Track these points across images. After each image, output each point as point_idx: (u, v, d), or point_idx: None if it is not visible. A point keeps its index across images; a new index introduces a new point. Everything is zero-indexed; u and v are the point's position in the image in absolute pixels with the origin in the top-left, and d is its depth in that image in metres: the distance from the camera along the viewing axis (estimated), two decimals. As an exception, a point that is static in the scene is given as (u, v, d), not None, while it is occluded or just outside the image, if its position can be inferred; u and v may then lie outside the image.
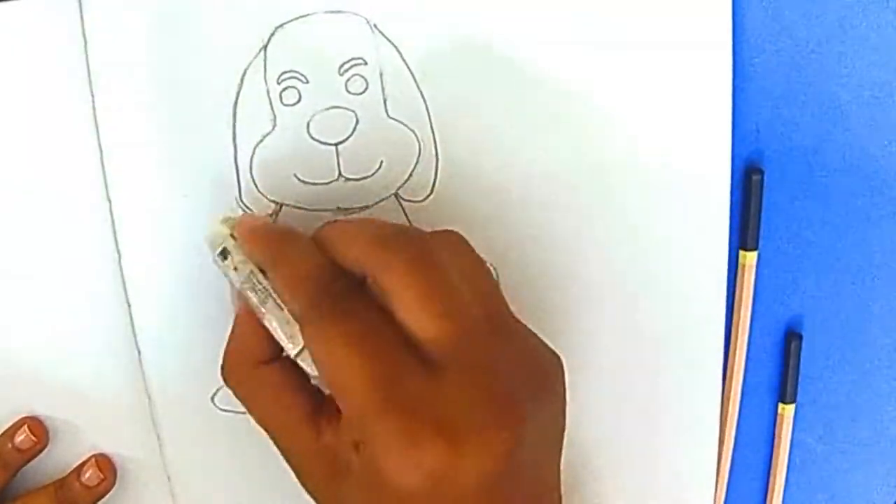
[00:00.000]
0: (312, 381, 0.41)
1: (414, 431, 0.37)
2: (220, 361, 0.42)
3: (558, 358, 0.41)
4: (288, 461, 0.41)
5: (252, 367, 0.41)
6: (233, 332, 0.42)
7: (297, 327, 0.39)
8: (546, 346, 0.41)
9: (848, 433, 0.55)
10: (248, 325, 0.41)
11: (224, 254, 0.42)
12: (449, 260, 0.39)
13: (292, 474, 0.41)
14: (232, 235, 0.42)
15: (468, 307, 0.39)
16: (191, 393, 0.47)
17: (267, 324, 0.40)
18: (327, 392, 0.40)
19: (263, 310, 0.40)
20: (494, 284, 0.41)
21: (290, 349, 0.40)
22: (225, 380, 0.42)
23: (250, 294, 0.41)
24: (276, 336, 0.40)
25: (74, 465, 0.47)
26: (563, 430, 0.41)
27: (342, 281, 0.40)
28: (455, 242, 0.41)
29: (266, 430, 0.42)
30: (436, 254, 0.39)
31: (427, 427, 0.37)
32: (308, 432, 0.40)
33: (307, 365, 0.40)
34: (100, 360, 0.44)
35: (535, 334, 0.41)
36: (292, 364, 0.41)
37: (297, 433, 0.40)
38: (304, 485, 0.41)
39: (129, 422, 0.47)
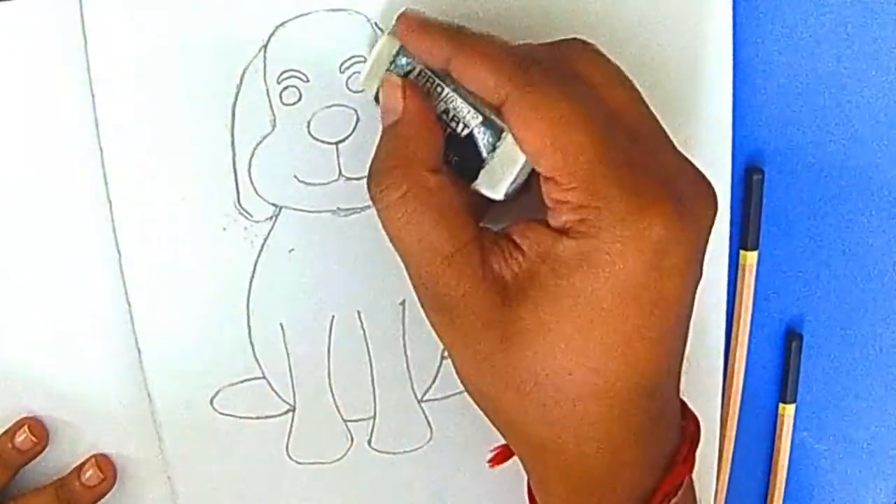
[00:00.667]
0: (486, 163, 0.38)
1: (645, 193, 0.35)
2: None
3: None
4: (440, 302, 0.38)
5: (419, 170, 0.37)
6: (391, 137, 0.38)
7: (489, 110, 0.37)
8: None
9: (848, 433, 0.55)
10: (414, 125, 0.38)
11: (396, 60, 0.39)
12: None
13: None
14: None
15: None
16: (191, 393, 0.47)
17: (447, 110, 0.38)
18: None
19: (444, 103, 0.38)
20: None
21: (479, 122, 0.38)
22: (381, 188, 0.38)
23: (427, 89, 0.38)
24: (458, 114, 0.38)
25: (74, 465, 0.47)
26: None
27: (542, 52, 0.37)
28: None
29: (417, 259, 0.37)
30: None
31: (657, 190, 0.35)
32: (475, 256, 0.37)
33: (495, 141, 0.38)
34: (100, 361, 0.44)
35: None
36: (456, 180, 0.38)
37: (462, 257, 0.37)
38: (454, 335, 0.38)
39: (129, 422, 0.47)
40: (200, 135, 0.43)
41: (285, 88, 0.43)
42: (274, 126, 0.44)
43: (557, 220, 0.36)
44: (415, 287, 0.39)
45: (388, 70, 0.40)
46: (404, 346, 0.48)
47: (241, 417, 0.48)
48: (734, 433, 0.53)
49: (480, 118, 0.38)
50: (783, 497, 0.55)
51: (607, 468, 0.38)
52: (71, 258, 0.45)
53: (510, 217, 0.39)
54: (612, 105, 0.37)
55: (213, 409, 0.47)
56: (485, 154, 0.38)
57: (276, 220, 0.45)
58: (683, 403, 0.42)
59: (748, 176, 0.48)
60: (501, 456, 0.47)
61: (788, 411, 0.53)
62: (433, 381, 0.49)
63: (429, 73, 0.39)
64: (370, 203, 0.45)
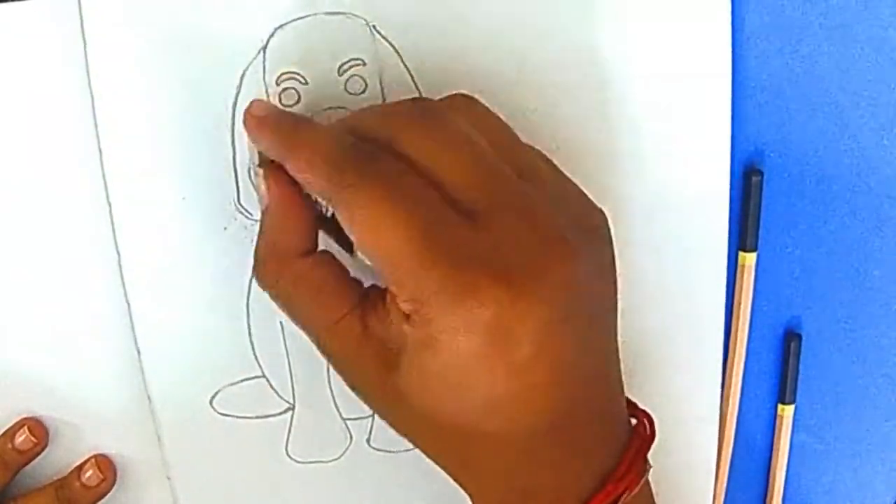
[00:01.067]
0: (351, 271, 0.39)
1: (469, 281, 0.35)
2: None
3: (601, 210, 0.39)
4: (334, 363, 0.40)
5: (288, 259, 0.39)
6: (264, 226, 0.40)
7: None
8: (587, 196, 0.40)
9: (848, 433, 0.55)
10: (279, 215, 0.39)
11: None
12: (465, 118, 0.38)
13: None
14: None
15: (494, 158, 0.37)
16: (191, 393, 0.47)
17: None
18: (367, 281, 0.39)
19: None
20: (515, 137, 0.40)
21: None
22: (259, 279, 0.40)
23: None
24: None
25: (74, 466, 0.47)
26: (616, 291, 0.40)
27: (365, 144, 0.37)
28: (468, 103, 0.39)
29: (306, 330, 0.39)
30: (451, 113, 0.38)
31: (482, 274, 0.35)
32: (354, 325, 0.38)
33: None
34: (99, 361, 0.44)
35: (573, 182, 0.40)
36: (330, 257, 0.39)
37: (342, 328, 0.38)
38: (354, 388, 0.40)
39: (129, 422, 0.47)
40: (200, 134, 0.43)
41: (284, 90, 0.43)
42: (274, 127, 0.44)
43: (398, 306, 0.37)
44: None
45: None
46: (403, 346, 0.48)
47: (240, 417, 0.48)
48: (733, 433, 0.53)
49: None
50: (782, 498, 0.55)
51: (525, 498, 0.39)
52: (71, 258, 0.45)
53: None
54: (446, 180, 0.36)
55: (213, 408, 0.47)
56: None
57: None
58: (634, 406, 0.42)
59: (747, 178, 0.48)
60: None
61: (787, 412, 0.53)
62: (432, 382, 0.49)
63: None
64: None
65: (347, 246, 0.40)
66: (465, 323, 0.35)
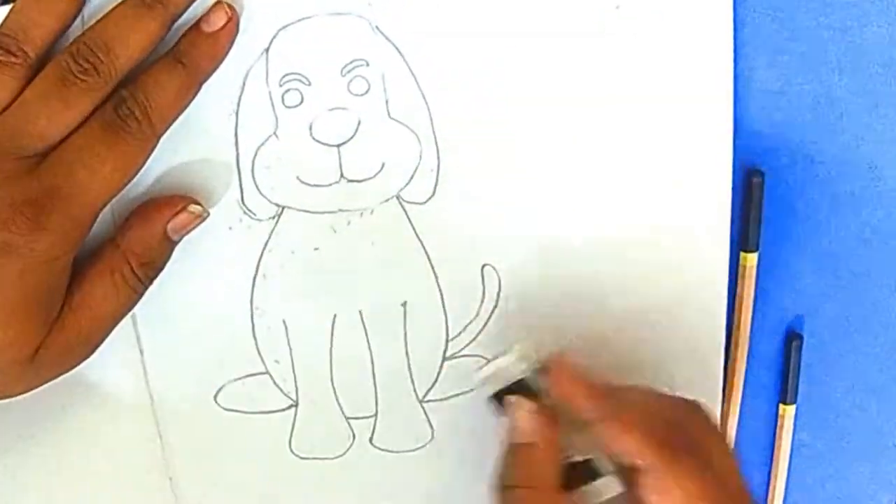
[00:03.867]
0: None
1: None
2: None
3: None
4: None
5: (547, 491, 0.42)
6: (527, 459, 0.43)
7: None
8: None
9: (848, 433, 0.55)
10: (547, 452, 0.43)
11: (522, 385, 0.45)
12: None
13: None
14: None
15: None
16: (193, 393, 0.47)
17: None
18: None
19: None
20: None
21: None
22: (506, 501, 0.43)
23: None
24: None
25: (74, 467, 0.47)
26: None
27: (671, 419, 0.42)
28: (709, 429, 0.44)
29: None
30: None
31: None
32: None
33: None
34: (102, 361, 0.44)
35: None
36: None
37: None
38: None
39: (131, 422, 0.47)
40: (204, 136, 0.43)
41: (287, 91, 0.43)
42: (276, 128, 0.44)
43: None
44: None
45: (514, 382, 0.45)
46: (405, 347, 0.48)
47: (244, 413, 0.48)
48: (735, 433, 0.53)
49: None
50: (783, 498, 0.55)
51: None
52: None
53: None
54: (720, 473, 0.41)
55: (217, 404, 0.48)
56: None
57: (278, 220, 0.45)
58: None
59: (748, 179, 0.48)
60: None
61: (789, 412, 0.53)
62: (434, 383, 0.49)
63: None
64: (371, 205, 0.45)
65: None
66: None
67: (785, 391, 0.53)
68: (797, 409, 0.53)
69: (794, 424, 0.54)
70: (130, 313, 0.43)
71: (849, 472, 0.56)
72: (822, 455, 0.55)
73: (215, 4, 0.41)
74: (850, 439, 0.55)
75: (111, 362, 0.46)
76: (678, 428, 0.42)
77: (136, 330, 0.46)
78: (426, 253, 0.47)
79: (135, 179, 0.40)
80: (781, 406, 0.53)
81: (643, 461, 0.41)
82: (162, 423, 0.47)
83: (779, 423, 0.53)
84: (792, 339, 0.52)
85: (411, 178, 0.45)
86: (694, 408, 0.44)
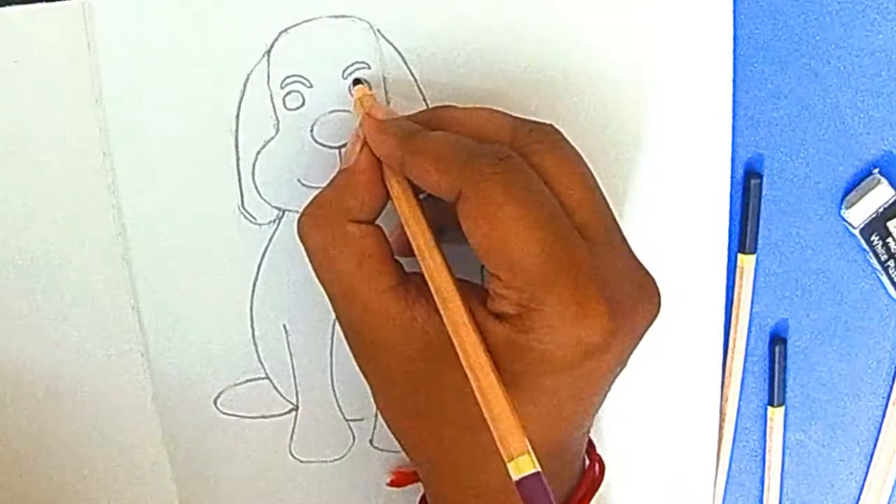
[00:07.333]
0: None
1: (586, 305, 0.35)
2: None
3: None
4: (354, 328, 0.39)
5: (341, 218, 0.39)
6: (334, 181, 0.40)
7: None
8: None
9: (840, 432, 0.54)
10: (354, 179, 0.39)
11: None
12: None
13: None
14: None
15: (601, 190, 0.39)
16: (196, 397, 0.47)
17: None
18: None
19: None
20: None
21: None
22: (307, 230, 0.40)
23: None
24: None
25: (74, 472, 0.47)
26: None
27: (496, 145, 0.37)
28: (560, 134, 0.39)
29: (341, 293, 0.39)
30: (561, 137, 0.39)
31: (597, 302, 0.35)
32: (397, 300, 0.38)
33: None
34: (105, 364, 0.44)
35: None
36: (381, 232, 0.39)
37: (386, 300, 0.38)
38: (373, 357, 0.39)
39: (133, 425, 0.47)
40: (205, 138, 0.44)
41: (289, 93, 0.44)
42: (277, 130, 0.44)
43: (494, 307, 0.37)
44: (340, 325, 0.40)
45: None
46: (405, 348, 0.48)
47: (244, 417, 0.48)
48: (732, 434, 0.53)
49: None
50: (779, 499, 0.55)
51: (498, 489, 0.39)
52: (77, 261, 0.45)
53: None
54: (566, 201, 0.37)
55: (217, 409, 0.48)
56: None
57: (279, 223, 0.45)
58: (592, 447, 0.43)
59: (747, 180, 0.49)
60: (401, 480, 0.49)
61: (777, 415, 0.53)
62: (434, 383, 0.49)
63: None
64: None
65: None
66: (567, 344, 0.35)
67: (772, 394, 0.53)
68: (789, 409, 0.53)
69: (788, 424, 0.53)
70: (131, 316, 0.43)
71: (843, 472, 0.55)
72: (815, 455, 0.55)
73: None
74: (840, 440, 0.54)
75: (113, 367, 0.46)
76: (500, 148, 0.37)
77: (137, 335, 0.46)
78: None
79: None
80: (770, 409, 0.53)
81: (452, 192, 0.36)
82: (164, 426, 0.47)
83: (768, 427, 0.53)
84: (776, 342, 0.52)
85: (412, 179, 0.45)
86: (543, 131, 0.39)
